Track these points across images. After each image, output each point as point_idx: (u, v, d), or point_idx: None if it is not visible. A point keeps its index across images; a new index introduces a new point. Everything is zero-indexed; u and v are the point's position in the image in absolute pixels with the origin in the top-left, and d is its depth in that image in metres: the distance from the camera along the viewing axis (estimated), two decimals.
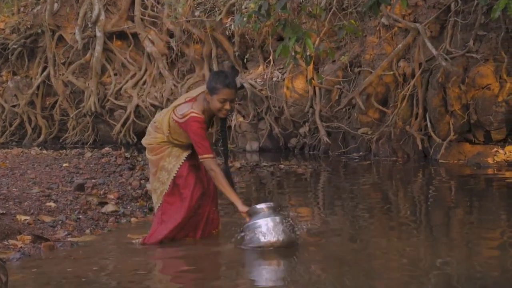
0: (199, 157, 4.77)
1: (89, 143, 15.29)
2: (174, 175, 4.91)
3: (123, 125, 14.84)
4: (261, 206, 4.60)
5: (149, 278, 4.25)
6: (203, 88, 4.94)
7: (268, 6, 5.33)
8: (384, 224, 5.87)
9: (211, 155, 4.75)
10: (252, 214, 4.59)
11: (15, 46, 15.98)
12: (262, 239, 4.50)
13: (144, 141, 5.10)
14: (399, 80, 11.04)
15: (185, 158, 4.89)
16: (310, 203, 7.16)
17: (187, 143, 4.91)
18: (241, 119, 13.25)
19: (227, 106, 4.79)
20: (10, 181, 7.35)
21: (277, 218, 4.53)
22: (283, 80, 12.53)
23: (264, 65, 13.14)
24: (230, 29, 13.26)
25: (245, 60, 13.49)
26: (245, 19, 5.69)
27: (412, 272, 4.16)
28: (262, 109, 12.83)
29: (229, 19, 13.25)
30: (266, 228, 4.50)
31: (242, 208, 4.69)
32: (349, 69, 11.77)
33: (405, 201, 7.20)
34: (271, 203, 4.66)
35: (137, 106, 14.71)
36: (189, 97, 4.93)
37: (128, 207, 6.37)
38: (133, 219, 5.95)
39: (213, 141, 13.89)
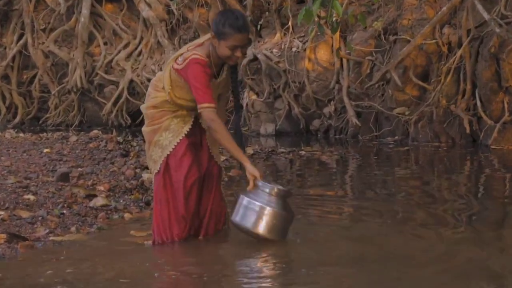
0: (198, 106, 4.69)
1: (74, 125, 15.36)
2: (169, 152, 4.87)
3: (114, 104, 14.88)
4: (273, 188, 4.66)
5: (143, 285, 4.25)
6: (209, 35, 4.89)
7: None
8: (424, 222, 5.83)
9: (212, 105, 4.67)
10: (260, 189, 4.64)
11: None
12: (251, 224, 4.62)
13: (143, 106, 5.03)
14: (443, 50, 10.98)
15: (185, 133, 4.87)
16: (336, 197, 7.13)
17: (192, 104, 4.84)
18: (254, 97, 13.24)
19: (238, 53, 4.72)
20: None
21: (279, 213, 4.62)
22: (304, 50, 12.49)
23: (281, 33, 13.09)
24: None
25: (259, 26, 13.45)
26: None
27: (456, 275, 4.15)
28: (279, 85, 12.80)
29: None
30: (264, 217, 4.60)
31: (252, 169, 4.67)
32: (383, 37, 11.72)
33: (449, 195, 7.16)
34: (285, 190, 4.74)
35: (131, 81, 14.74)
36: (192, 45, 4.90)
37: (121, 201, 6.37)
38: (126, 215, 5.95)
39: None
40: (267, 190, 4.63)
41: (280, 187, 4.73)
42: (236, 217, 4.69)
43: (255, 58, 13.00)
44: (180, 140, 4.86)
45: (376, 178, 8.34)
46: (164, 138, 4.89)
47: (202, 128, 4.97)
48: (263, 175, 4.70)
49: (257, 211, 4.60)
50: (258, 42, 13.31)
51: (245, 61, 13.14)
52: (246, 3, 13.34)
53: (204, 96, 4.66)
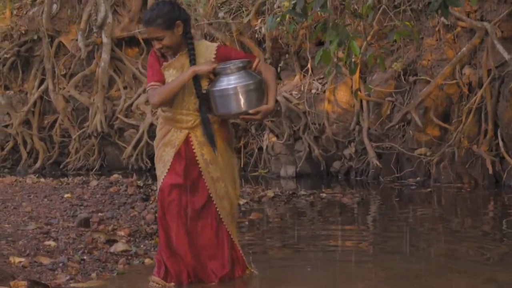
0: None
1: (94, 169, 15.37)
2: (160, 183, 4.98)
3: (134, 148, 14.91)
4: (232, 65, 4.79)
5: None
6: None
7: (304, 3, 5.31)
8: (448, 268, 5.76)
9: (151, 83, 4.91)
10: (222, 74, 4.77)
11: (7, 56, 16.19)
12: (235, 107, 4.75)
13: None
14: (463, 91, 10.96)
15: (169, 166, 4.93)
16: (357, 240, 7.09)
17: (169, 113, 5.00)
18: (274, 139, 13.24)
19: (155, 45, 4.94)
20: (2, 216, 7.41)
21: (251, 83, 4.76)
22: (324, 92, 12.50)
23: (301, 75, 13.13)
24: (260, 32, 13.30)
25: (278, 69, 13.50)
26: (278, 19, 5.68)
27: None
28: (299, 127, 12.81)
29: (259, 21, 13.30)
30: (241, 95, 4.74)
31: (202, 67, 4.82)
32: (402, 78, 11.71)
33: (473, 238, 7.08)
34: (243, 61, 4.84)
35: (151, 124, 14.77)
36: None
37: (141, 246, 6.37)
38: (147, 260, 5.94)
39: (241, 165, 13.87)
40: (229, 71, 4.75)
41: (236, 61, 4.82)
42: (219, 110, 4.78)
43: (275, 100, 13.02)
44: (166, 171, 4.94)
45: (398, 220, 8.28)
46: (158, 169, 5.06)
47: (199, 170, 4.97)
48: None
49: (232, 94, 4.72)
50: (278, 84, 13.33)
51: None
52: (265, 46, 13.41)
53: (148, 79, 4.97)
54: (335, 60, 5.90)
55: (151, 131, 14.78)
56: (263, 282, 5.08)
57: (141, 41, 15.18)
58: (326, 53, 5.34)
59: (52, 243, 6.09)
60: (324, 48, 5.41)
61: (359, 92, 11.71)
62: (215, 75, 4.81)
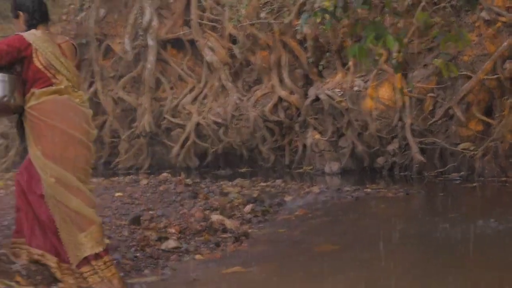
0: None
1: (144, 168, 15.55)
2: None
3: (182, 147, 15.05)
4: None
5: None
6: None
7: (345, 2, 5.34)
8: (492, 267, 5.74)
9: None
10: None
11: None
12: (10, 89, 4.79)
13: None
14: (505, 85, 10.88)
15: None
16: (401, 237, 7.06)
17: None
18: (318, 136, 13.28)
19: None
20: None
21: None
22: (366, 89, 12.50)
23: (343, 73, 13.14)
24: (301, 32, 13.34)
25: (320, 67, 13.53)
26: (313, 17, 5.69)
27: None
28: (342, 124, 12.83)
29: (300, 21, 13.33)
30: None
31: None
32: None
33: None
34: None
35: (198, 124, 14.91)
36: None
37: (192, 242, 6.45)
38: (197, 256, 6.02)
39: (286, 163, 13.93)
40: None
41: None
42: None
43: (317, 98, 13.08)
44: None
45: (443, 215, 8.23)
46: None
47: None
48: None
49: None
50: (320, 82, 13.37)
51: (308, 101, 13.23)
52: (307, 45, 13.45)
53: None
54: (374, 56, 5.89)
55: (198, 130, 14.93)
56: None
57: (185, 42, 15.32)
58: (362, 48, 5.36)
59: (106, 241, 6.20)
60: (360, 43, 5.44)
61: (403, 90, 11.70)
62: None
